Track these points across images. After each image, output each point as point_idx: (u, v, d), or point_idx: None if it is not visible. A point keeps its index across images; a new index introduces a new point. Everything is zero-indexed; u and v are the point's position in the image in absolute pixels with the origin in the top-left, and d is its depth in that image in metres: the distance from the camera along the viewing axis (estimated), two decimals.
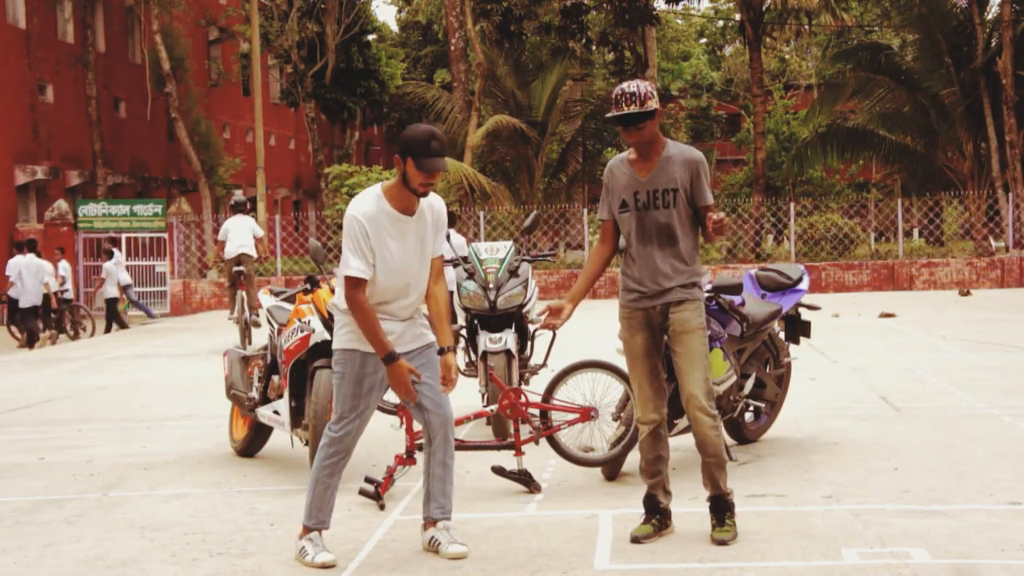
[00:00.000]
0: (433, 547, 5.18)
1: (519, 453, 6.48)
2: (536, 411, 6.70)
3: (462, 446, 6.79)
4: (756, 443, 7.57)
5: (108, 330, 21.50)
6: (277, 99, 43.94)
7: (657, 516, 5.38)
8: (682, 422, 6.54)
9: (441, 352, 5.21)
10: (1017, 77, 27.79)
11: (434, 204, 5.25)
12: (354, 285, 4.99)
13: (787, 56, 50.56)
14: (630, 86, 5.28)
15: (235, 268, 15.50)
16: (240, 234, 15.66)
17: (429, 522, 5.25)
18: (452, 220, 17.51)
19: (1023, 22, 28.88)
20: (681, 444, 7.15)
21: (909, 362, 11.77)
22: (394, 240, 5.07)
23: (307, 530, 5.19)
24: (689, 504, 5.81)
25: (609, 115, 5.35)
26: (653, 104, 5.24)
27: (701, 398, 5.27)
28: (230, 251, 15.61)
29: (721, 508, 5.34)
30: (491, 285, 8.02)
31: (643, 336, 5.38)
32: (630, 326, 5.41)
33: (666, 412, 5.48)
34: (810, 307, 7.90)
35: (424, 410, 5.22)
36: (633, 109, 5.22)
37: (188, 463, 7.68)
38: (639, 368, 5.41)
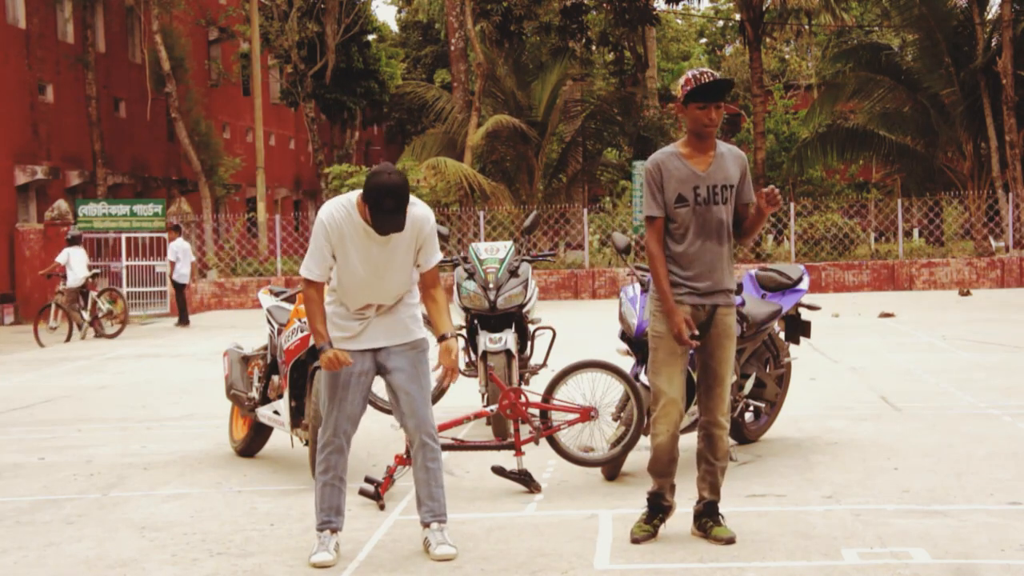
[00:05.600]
0: (426, 547, 5.20)
1: (519, 453, 6.48)
2: (536, 411, 6.70)
3: (462, 446, 6.81)
4: (756, 443, 7.57)
5: None
6: (277, 99, 43.93)
7: (659, 516, 5.37)
8: (683, 422, 6.53)
9: (441, 339, 5.19)
10: (1017, 77, 27.79)
11: (417, 215, 5.10)
12: (306, 283, 5.13)
13: (787, 56, 50.56)
14: (705, 70, 5.18)
15: (79, 291, 19.23)
16: (80, 266, 19.28)
17: (423, 523, 5.27)
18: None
19: (1023, 22, 28.88)
20: (680, 444, 7.14)
21: (909, 362, 11.76)
22: (359, 251, 5.05)
23: (317, 530, 5.24)
24: (688, 504, 5.80)
25: (691, 88, 5.10)
26: None
27: (728, 405, 5.31)
28: (76, 281, 19.17)
29: (715, 510, 5.34)
30: (491, 285, 8.02)
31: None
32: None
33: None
34: (810, 307, 7.89)
35: (401, 415, 5.24)
36: (719, 78, 5.10)
37: (188, 463, 7.68)
38: (670, 366, 5.24)
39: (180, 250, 22.18)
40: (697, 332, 5.21)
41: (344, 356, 5.07)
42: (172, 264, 22.23)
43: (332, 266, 5.12)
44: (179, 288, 22.13)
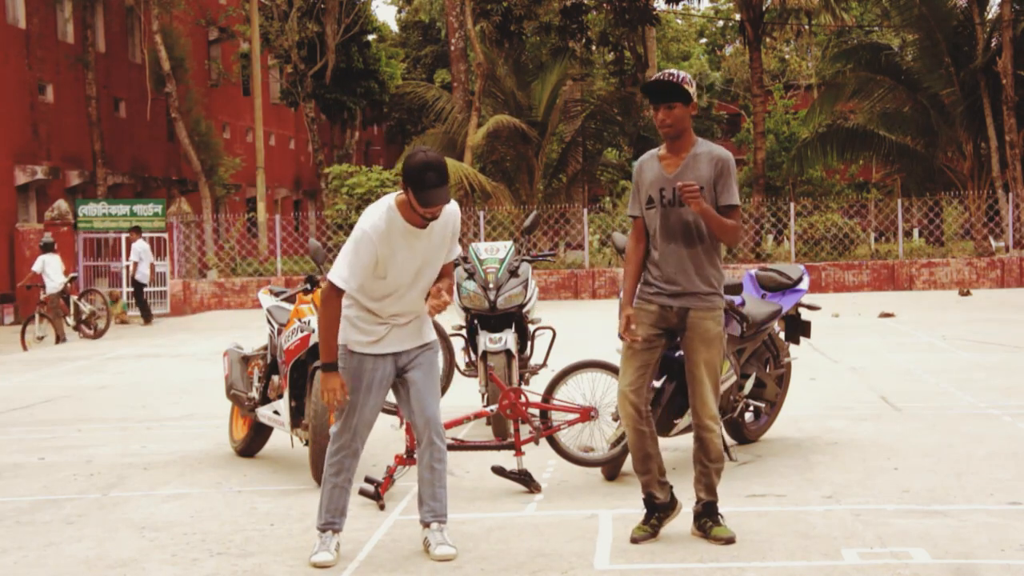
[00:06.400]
0: (426, 547, 5.20)
1: (519, 453, 6.48)
2: (536, 411, 6.70)
3: (462, 446, 6.81)
4: (756, 443, 7.57)
5: None
6: (277, 99, 43.94)
7: (656, 515, 5.37)
8: (682, 422, 6.54)
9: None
10: (1017, 77, 27.78)
11: (450, 208, 5.15)
12: (334, 291, 5.03)
13: (787, 56, 50.55)
14: (671, 70, 5.27)
15: (60, 296, 19.51)
16: (56, 272, 19.49)
17: (423, 523, 5.27)
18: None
19: (1023, 22, 28.88)
20: (681, 444, 7.15)
21: (909, 362, 11.76)
22: (404, 252, 5.06)
23: (319, 530, 5.22)
24: (689, 504, 5.80)
25: (643, 85, 5.32)
26: (689, 89, 5.19)
27: (714, 407, 5.28)
28: (54, 287, 19.38)
29: (714, 511, 5.34)
30: (491, 285, 8.02)
31: (646, 330, 5.29)
32: (638, 317, 5.32)
33: (648, 409, 5.39)
34: (810, 307, 7.89)
35: (411, 412, 5.24)
36: (669, 80, 5.16)
37: (188, 463, 7.68)
38: (629, 360, 5.32)
39: (142, 251, 22.62)
40: (638, 332, 5.27)
41: (343, 395, 5.06)
42: (135, 265, 22.57)
43: (370, 276, 5.03)
44: (140, 288, 22.55)
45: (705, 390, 5.25)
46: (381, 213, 5.04)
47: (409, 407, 5.24)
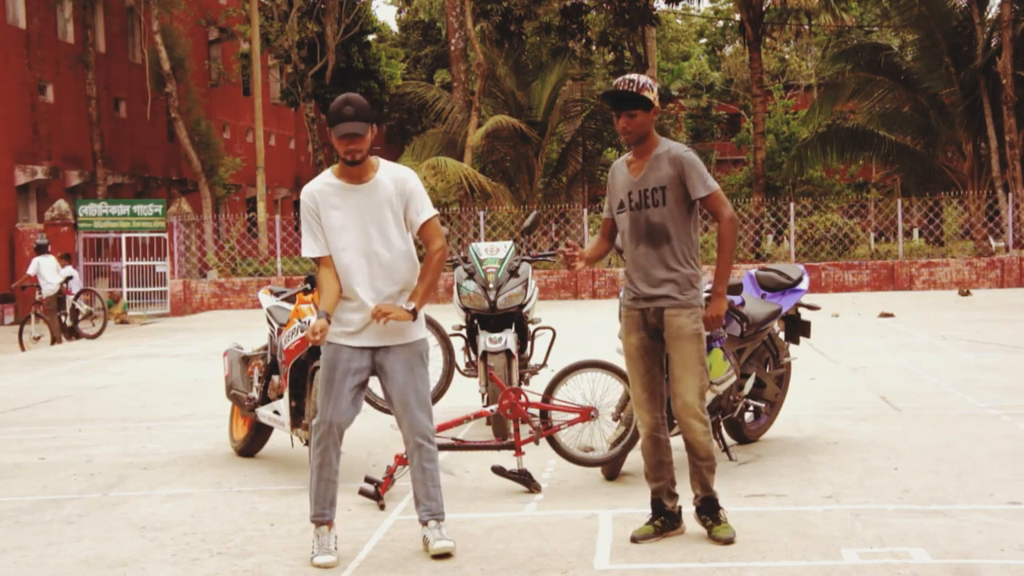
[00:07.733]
0: (425, 545, 5.21)
1: (519, 453, 6.48)
2: (536, 411, 6.71)
3: (462, 446, 6.81)
4: (756, 443, 7.57)
5: None
6: (277, 99, 43.95)
7: (661, 518, 5.37)
8: None
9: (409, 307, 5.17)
10: (1017, 77, 27.80)
11: (395, 174, 5.22)
12: (316, 264, 5.24)
13: (787, 56, 50.56)
14: (632, 75, 5.32)
15: (56, 297, 19.50)
16: (51, 273, 19.48)
17: (422, 522, 5.29)
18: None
19: (1023, 22, 28.89)
20: (681, 443, 7.15)
21: (909, 362, 11.76)
22: (340, 211, 5.14)
23: (314, 524, 5.24)
24: (689, 504, 5.81)
25: (603, 92, 5.38)
26: (649, 95, 5.21)
27: (695, 405, 5.24)
28: (51, 289, 19.41)
29: (714, 507, 5.33)
30: (491, 285, 8.02)
31: (638, 336, 5.35)
32: (627, 326, 5.40)
33: (664, 416, 5.41)
34: (810, 307, 7.89)
35: (396, 416, 5.27)
36: (628, 89, 5.20)
37: (188, 463, 7.68)
38: (632, 369, 5.40)
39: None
40: (631, 340, 5.37)
41: (320, 336, 5.05)
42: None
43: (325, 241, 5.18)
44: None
45: (682, 388, 5.24)
46: (317, 178, 5.29)
47: (394, 411, 5.26)
